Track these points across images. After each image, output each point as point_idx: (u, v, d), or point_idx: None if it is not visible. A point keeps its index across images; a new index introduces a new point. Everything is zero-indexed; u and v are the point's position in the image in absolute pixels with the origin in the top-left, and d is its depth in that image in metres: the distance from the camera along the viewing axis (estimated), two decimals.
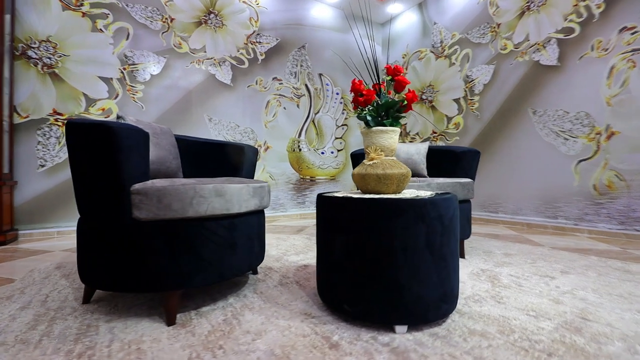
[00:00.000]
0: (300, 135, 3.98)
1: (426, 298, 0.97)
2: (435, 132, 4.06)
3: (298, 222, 3.50)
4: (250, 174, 1.76)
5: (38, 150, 2.61)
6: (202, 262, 1.12)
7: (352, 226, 1.03)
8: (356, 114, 1.21)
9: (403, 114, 1.19)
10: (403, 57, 4.51)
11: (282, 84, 3.83)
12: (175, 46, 3.17)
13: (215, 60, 3.39)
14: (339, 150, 4.29)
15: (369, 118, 1.17)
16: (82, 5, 2.75)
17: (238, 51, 3.53)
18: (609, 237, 2.53)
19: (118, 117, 1.35)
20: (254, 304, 1.23)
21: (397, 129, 1.16)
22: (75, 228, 2.70)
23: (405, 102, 1.17)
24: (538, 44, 3.04)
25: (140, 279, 1.06)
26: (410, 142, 4.40)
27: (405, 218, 0.97)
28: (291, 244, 2.33)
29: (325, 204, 1.14)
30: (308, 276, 1.56)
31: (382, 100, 1.17)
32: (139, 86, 2.99)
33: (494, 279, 1.51)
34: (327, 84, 4.20)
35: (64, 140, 2.69)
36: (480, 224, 3.27)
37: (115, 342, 0.95)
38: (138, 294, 1.33)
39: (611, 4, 2.58)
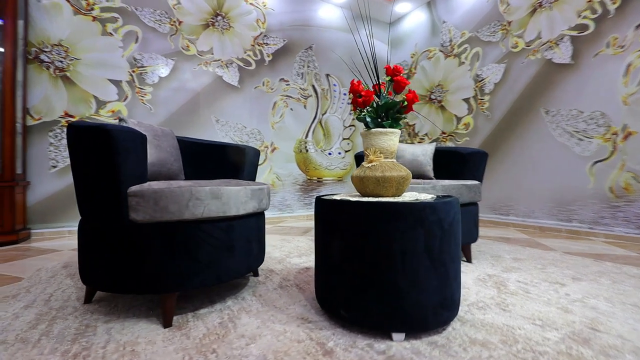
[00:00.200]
0: (307, 136, 3.96)
1: (425, 303, 0.94)
2: (444, 133, 3.98)
3: (304, 224, 3.48)
4: (251, 175, 1.75)
5: (50, 151, 2.67)
6: (199, 264, 1.11)
7: (350, 229, 1.01)
8: (355, 116, 1.19)
9: (403, 115, 1.16)
10: (412, 57, 4.45)
11: (289, 85, 3.83)
12: (183, 49, 3.21)
13: (222, 62, 3.42)
14: (346, 151, 4.26)
15: (368, 119, 1.15)
16: (92, 9, 2.81)
17: (245, 53, 3.55)
18: (626, 242, 2.42)
19: (119, 120, 1.36)
20: (252, 307, 1.22)
21: (397, 131, 1.14)
22: None
23: (406, 103, 1.14)
24: (551, 42, 2.94)
25: (137, 280, 1.06)
26: (419, 142, 4.34)
27: (404, 222, 0.94)
28: (295, 245, 2.32)
29: (323, 206, 1.12)
30: (309, 279, 1.54)
31: (381, 101, 1.15)
32: (148, 88, 3.03)
33: (500, 285, 1.46)
34: (334, 85, 4.17)
35: None
36: (489, 227, 3.19)
37: (110, 343, 0.95)
38: (137, 295, 1.34)
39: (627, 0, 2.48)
